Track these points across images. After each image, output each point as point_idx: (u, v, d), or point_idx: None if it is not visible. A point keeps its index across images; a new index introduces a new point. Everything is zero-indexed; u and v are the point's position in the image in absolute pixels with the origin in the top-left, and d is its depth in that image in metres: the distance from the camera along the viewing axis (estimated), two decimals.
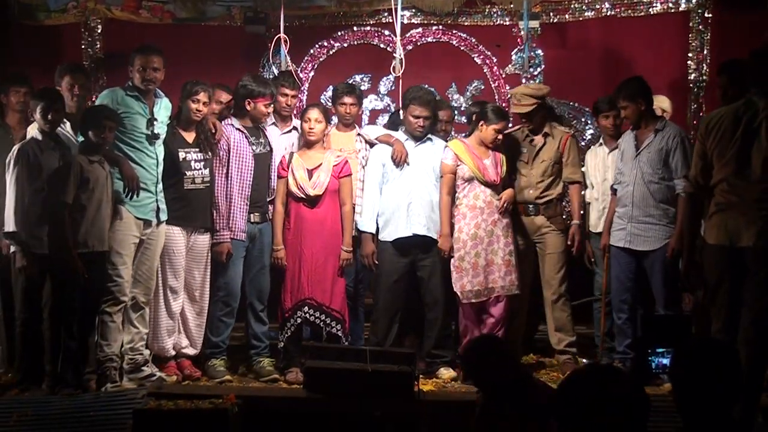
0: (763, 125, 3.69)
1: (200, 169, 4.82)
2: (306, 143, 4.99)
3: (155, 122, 4.70)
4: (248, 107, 4.92)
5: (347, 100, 5.13)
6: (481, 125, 4.96)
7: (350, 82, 6.06)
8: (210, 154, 4.84)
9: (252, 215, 4.91)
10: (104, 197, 4.49)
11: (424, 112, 4.96)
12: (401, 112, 5.21)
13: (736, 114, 3.77)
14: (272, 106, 4.98)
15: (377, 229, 5.03)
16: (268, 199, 5.00)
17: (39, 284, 4.49)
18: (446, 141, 5.14)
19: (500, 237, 4.90)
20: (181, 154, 4.79)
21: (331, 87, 6.37)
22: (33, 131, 4.63)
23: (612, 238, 4.89)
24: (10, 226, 4.45)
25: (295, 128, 5.19)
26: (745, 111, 3.75)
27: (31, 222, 4.45)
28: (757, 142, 3.70)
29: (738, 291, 3.70)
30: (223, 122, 4.97)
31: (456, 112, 6.28)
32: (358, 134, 5.22)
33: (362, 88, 6.17)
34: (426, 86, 5.36)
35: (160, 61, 4.69)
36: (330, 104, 6.02)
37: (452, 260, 4.92)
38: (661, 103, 5.33)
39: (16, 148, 4.53)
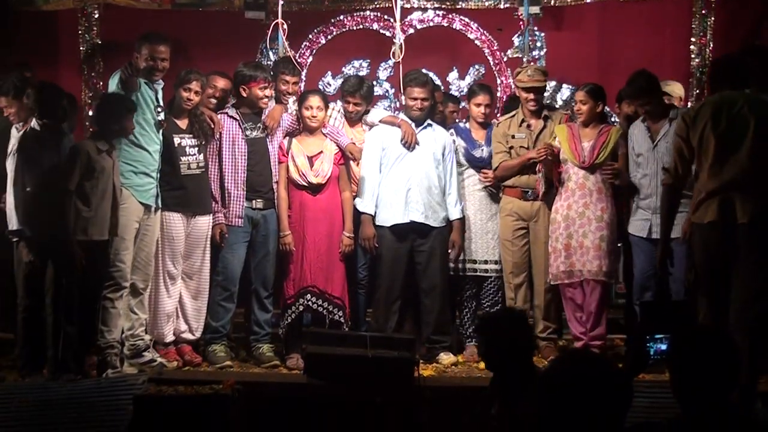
0: (748, 114, 3.74)
1: (195, 154, 4.81)
2: (306, 129, 4.98)
3: (160, 109, 4.69)
4: (244, 93, 4.91)
5: (352, 99, 5.13)
6: None
7: (353, 73, 6.04)
8: (204, 140, 4.83)
9: (254, 201, 4.89)
10: (108, 188, 4.47)
11: (421, 94, 4.95)
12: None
13: (715, 106, 3.79)
14: (268, 89, 4.92)
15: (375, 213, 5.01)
16: (273, 184, 4.96)
17: (41, 270, 4.49)
18: (434, 120, 5.13)
19: (592, 220, 4.81)
20: (176, 140, 4.78)
21: (329, 73, 6.37)
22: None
23: (633, 228, 4.81)
24: (13, 224, 4.46)
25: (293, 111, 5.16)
26: (725, 102, 3.79)
27: (32, 214, 4.43)
28: (742, 131, 3.74)
29: (728, 276, 3.70)
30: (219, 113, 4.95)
31: (459, 96, 6.27)
32: (365, 124, 5.21)
33: (361, 73, 6.13)
34: (423, 70, 5.33)
35: (167, 50, 4.67)
36: (328, 89, 6.02)
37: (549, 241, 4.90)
38: (675, 89, 5.27)
39: (15, 140, 4.52)
